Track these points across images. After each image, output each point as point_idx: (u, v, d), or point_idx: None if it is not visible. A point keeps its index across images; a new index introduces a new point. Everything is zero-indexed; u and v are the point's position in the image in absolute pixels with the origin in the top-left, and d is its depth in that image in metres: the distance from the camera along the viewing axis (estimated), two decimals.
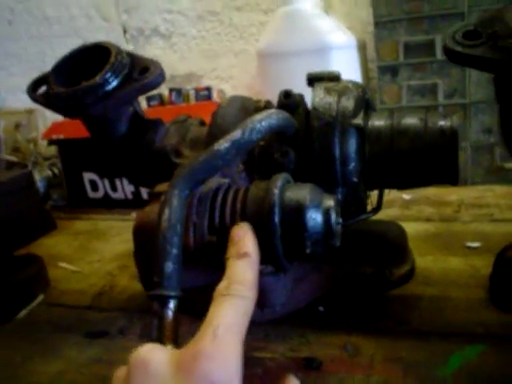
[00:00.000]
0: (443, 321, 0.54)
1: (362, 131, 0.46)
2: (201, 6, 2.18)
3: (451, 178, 0.50)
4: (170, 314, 0.35)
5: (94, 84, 0.52)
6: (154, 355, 0.31)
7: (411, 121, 0.49)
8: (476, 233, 0.73)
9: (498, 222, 0.76)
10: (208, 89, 1.83)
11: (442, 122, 0.48)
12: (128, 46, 2.34)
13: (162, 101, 1.81)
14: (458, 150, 0.47)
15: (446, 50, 0.41)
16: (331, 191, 0.43)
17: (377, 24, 1.56)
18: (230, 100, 0.53)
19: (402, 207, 0.89)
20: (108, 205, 1.12)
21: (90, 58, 0.56)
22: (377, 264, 0.60)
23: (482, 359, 0.47)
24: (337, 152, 0.45)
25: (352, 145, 0.46)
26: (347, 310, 0.57)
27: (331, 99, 0.47)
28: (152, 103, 1.77)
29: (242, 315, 0.33)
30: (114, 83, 0.53)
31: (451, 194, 0.89)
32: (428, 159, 0.48)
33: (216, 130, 0.52)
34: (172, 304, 0.35)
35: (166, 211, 0.38)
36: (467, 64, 0.41)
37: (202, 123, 0.63)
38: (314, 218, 0.35)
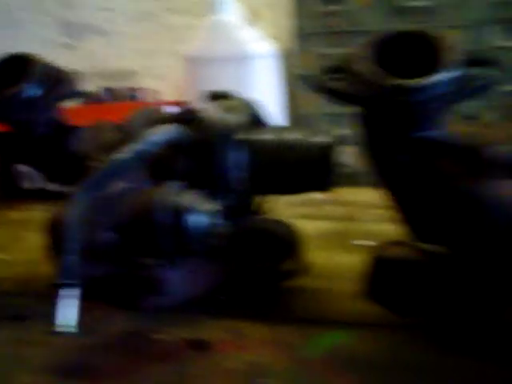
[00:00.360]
0: (323, 310, 0.62)
1: (247, 144, 0.53)
2: (138, 5, 2.22)
3: (323, 186, 0.60)
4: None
5: (17, 91, 0.58)
6: None
7: (294, 136, 0.58)
8: (373, 232, 0.80)
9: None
10: (138, 89, 1.88)
11: (318, 139, 0.57)
12: (65, 41, 2.33)
13: (93, 98, 1.84)
14: (329, 162, 0.56)
15: (306, 82, 0.49)
16: (219, 197, 0.51)
17: (299, 36, 1.66)
18: (140, 111, 0.60)
19: (314, 206, 0.98)
20: (44, 196, 1.14)
21: (15, 67, 0.61)
22: (267, 259, 0.69)
23: (353, 344, 0.55)
24: (224, 162, 0.52)
25: (237, 156, 0.53)
26: (242, 299, 0.64)
27: (223, 115, 0.54)
28: (83, 100, 1.79)
29: None
30: (36, 92, 0.59)
31: (363, 195, 0.98)
32: (305, 170, 0.57)
33: (126, 138, 0.58)
34: (72, 291, 0.41)
35: (71, 210, 0.44)
36: (329, 94, 0.49)
37: (118, 128, 0.69)
38: (195, 220, 0.43)
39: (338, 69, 0.48)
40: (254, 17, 1.62)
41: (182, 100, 1.39)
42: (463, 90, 0.45)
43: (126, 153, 0.47)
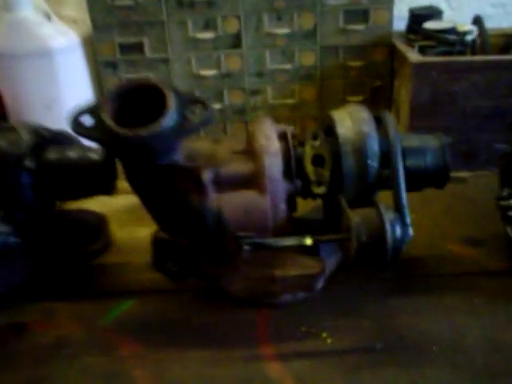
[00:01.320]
0: (119, 282, 0.78)
1: (30, 169, 0.67)
2: None
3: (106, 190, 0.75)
4: None
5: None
6: None
7: (72, 154, 0.72)
8: None
9: None
10: None
11: (92, 155, 0.72)
12: None
13: None
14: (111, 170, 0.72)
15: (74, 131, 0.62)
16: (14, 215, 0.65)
17: (95, 27, 1.81)
18: None
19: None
20: None
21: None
22: (75, 243, 0.83)
23: (130, 310, 0.72)
24: (11, 184, 0.66)
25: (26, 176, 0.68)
26: (54, 282, 0.79)
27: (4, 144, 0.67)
28: None
29: None
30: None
31: None
32: (86, 182, 0.72)
33: None
34: None
35: None
36: (87, 139, 0.63)
37: None
38: None
39: (90, 113, 0.62)
40: (54, 11, 1.63)
41: None
42: (185, 129, 0.62)
43: None
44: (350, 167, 0.64)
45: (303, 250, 0.67)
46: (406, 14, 1.47)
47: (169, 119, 0.60)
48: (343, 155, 0.64)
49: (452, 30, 1.26)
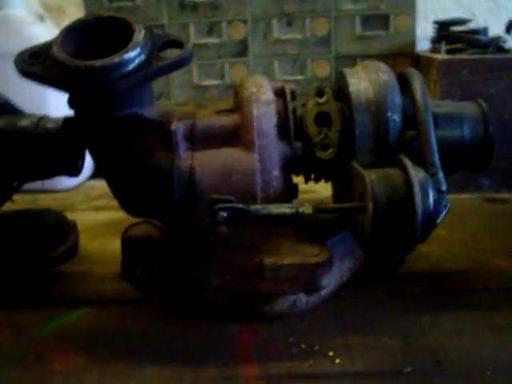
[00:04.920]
0: (73, 291, 0.64)
1: None
2: None
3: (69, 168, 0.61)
4: None
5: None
6: None
7: (25, 123, 0.58)
8: None
9: None
10: None
11: (49, 125, 0.58)
12: None
13: None
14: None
15: (15, 66, 0.50)
16: None
17: None
18: None
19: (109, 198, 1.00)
20: None
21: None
22: (35, 247, 0.69)
23: (80, 320, 0.57)
24: None
25: None
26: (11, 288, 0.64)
27: None
28: None
29: None
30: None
31: None
32: (42, 154, 0.58)
33: None
34: None
35: None
36: (33, 79, 0.50)
37: None
38: None
39: (37, 54, 0.49)
40: (46, 12, 1.59)
41: None
42: (154, 68, 0.48)
43: None
44: (365, 122, 0.49)
45: (303, 235, 0.51)
46: (430, 34, 1.37)
47: (132, 52, 0.47)
48: (355, 108, 0.49)
49: (484, 31, 1.14)
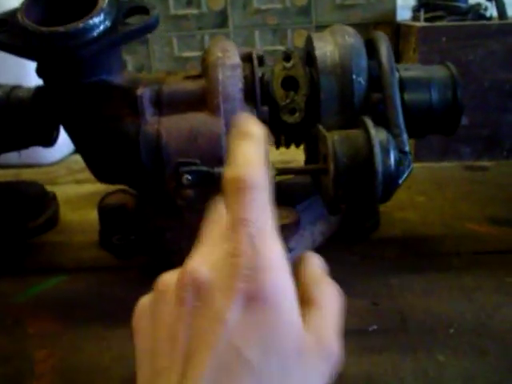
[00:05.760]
0: (51, 259, 0.64)
1: None
2: None
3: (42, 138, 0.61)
4: None
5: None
6: (204, 274, 0.27)
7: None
8: None
9: None
10: None
11: (22, 95, 0.58)
12: None
13: None
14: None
15: None
16: None
17: None
18: None
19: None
20: None
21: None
22: (16, 217, 0.69)
23: (57, 287, 0.58)
24: None
25: None
26: None
27: None
28: None
29: (266, 207, 0.28)
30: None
31: None
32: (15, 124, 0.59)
33: None
34: None
35: None
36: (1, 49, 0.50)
37: None
38: None
39: (2, 21, 0.49)
40: None
41: None
42: (119, 34, 0.48)
43: None
44: (330, 85, 0.49)
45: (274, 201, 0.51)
46: (411, 3, 1.36)
47: (96, 18, 0.47)
48: (321, 71, 0.50)
49: None
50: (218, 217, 0.30)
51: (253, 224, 0.27)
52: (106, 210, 0.63)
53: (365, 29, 1.25)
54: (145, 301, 0.31)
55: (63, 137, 0.61)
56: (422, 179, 0.86)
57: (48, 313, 0.53)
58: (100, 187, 0.65)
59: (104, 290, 0.57)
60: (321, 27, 1.36)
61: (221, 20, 1.37)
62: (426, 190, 0.81)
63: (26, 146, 0.64)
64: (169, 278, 0.30)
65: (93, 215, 0.74)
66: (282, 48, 1.31)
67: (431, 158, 0.93)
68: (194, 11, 1.32)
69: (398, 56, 1.21)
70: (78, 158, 0.59)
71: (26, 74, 1.19)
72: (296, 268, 0.31)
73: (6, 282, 0.60)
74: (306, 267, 0.32)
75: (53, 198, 0.75)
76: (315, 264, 0.33)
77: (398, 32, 1.24)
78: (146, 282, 0.57)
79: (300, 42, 1.36)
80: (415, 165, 0.51)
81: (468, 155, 0.96)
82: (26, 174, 1.00)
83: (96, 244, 0.66)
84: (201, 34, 1.36)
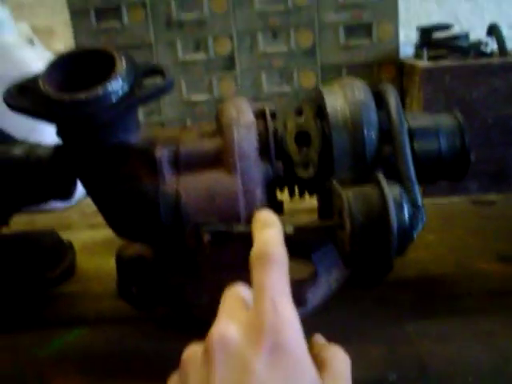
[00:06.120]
0: (70, 310, 0.65)
1: None
2: None
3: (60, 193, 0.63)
4: None
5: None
6: (230, 333, 0.32)
7: (17, 151, 0.60)
8: None
9: None
10: None
11: (40, 153, 0.60)
12: None
13: None
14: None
15: (4, 101, 0.52)
16: None
17: None
18: None
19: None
20: None
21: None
22: (33, 268, 0.71)
23: (78, 340, 0.59)
24: None
25: None
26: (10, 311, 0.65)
27: None
28: None
29: (284, 277, 0.35)
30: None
31: None
32: (34, 181, 0.60)
33: None
34: None
35: None
36: (21, 113, 0.52)
37: None
38: None
39: (25, 87, 0.51)
40: (36, 34, 1.61)
41: None
42: (136, 97, 0.50)
43: None
44: (342, 141, 0.51)
45: (288, 251, 0.52)
46: (414, 39, 1.39)
47: (115, 84, 0.49)
48: (333, 127, 0.51)
49: (465, 37, 1.16)
50: (234, 292, 0.37)
51: (274, 290, 0.33)
52: (124, 261, 0.64)
53: (369, 68, 1.28)
54: (173, 375, 0.34)
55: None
56: (431, 216, 0.86)
57: (71, 367, 0.55)
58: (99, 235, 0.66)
59: (125, 342, 0.58)
60: (326, 68, 1.39)
61: (228, 64, 1.40)
62: (435, 227, 0.82)
63: (45, 201, 0.65)
64: (192, 350, 0.34)
65: (109, 263, 0.75)
66: (288, 89, 1.34)
67: (439, 194, 0.95)
68: (202, 56, 1.36)
69: (403, 94, 1.25)
70: (90, 201, 0.61)
71: (38, 124, 1.23)
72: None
73: (25, 335, 0.61)
74: (312, 340, 0.38)
75: (69, 246, 0.77)
76: (319, 338, 0.39)
77: (401, 70, 1.27)
78: (167, 334, 0.59)
79: (306, 83, 1.39)
80: (424, 201, 0.52)
81: (475, 190, 0.97)
82: (40, 220, 1.02)
83: (114, 294, 0.67)
84: (209, 78, 1.39)
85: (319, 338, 0.39)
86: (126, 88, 0.50)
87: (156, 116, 1.38)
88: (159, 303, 0.61)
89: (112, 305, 0.66)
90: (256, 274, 0.34)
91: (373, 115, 0.52)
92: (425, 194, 0.96)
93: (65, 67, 0.52)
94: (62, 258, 0.74)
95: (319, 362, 0.34)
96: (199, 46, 1.41)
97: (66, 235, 0.79)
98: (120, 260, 0.64)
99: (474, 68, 0.99)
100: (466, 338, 0.54)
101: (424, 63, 1.06)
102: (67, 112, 0.49)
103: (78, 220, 1.02)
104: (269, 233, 0.38)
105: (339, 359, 0.35)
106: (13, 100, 0.51)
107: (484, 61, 1.04)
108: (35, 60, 1.61)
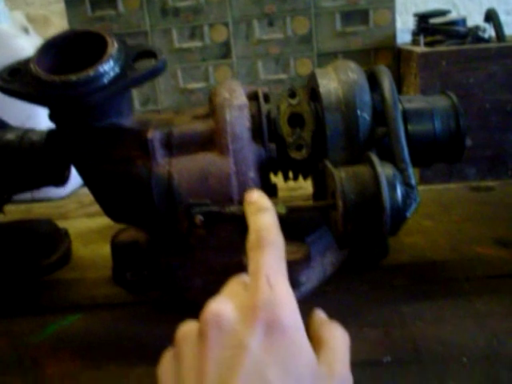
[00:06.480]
0: (66, 297, 0.65)
1: None
2: None
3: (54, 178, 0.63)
4: None
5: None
6: (225, 310, 0.32)
7: (10, 136, 0.60)
8: None
9: None
10: None
11: (34, 138, 0.60)
12: None
13: None
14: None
15: None
16: None
17: None
18: None
19: None
20: None
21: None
22: (28, 256, 0.70)
23: (73, 325, 0.59)
24: None
25: None
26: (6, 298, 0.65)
27: None
28: None
29: (281, 259, 0.35)
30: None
31: None
32: (27, 166, 0.60)
33: None
34: None
35: None
36: (13, 96, 0.52)
37: None
38: None
39: (16, 70, 0.51)
40: (31, 23, 1.60)
41: None
42: (128, 79, 0.50)
43: None
44: (336, 122, 0.51)
45: (284, 235, 0.52)
46: (411, 26, 1.38)
47: (106, 65, 0.49)
48: (326, 108, 0.51)
49: (462, 22, 1.15)
50: (238, 278, 0.36)
51: (269, 269, 0.33)
52: (118, 247, 0.64)
53: (366, 55, 1.28)
54: (167, 352, 0.34)
55: (72, 171, 0.62)
56: (428, 202, 0.86)
57: (65, 352, 0.54)
58: (111, 221, 0.66)
59: (119, 326, 0.58)
60: (322, 55, 1.39)
61: (224, 51, 1.39)
62: (432, 213, 0.82)
63: (39, 186, 0.65)
64: (187, 328, 0.33)
65: (104, 250, 0.75)
66: (284, 76, 1.33)
67: (436, 180, 0.95)
68: (198, 44, 1.35)
69: (400, 80, 1.24)
70: (87, 191, 0.61)
71: (36, 112, 1.23)
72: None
73: (21, 321, 0.61)
74: (312, 315, 0.37)
75: (65, 234, 0.76)
76: (319, 313, 0.38)
77: (398, 56, 1.26)
78: (161, 318, 0.59)
79: (302, 70, 1.39)
80: (421, 187, 0.52)
81: (473, 176, 0.97)
82: (37, 210, 1.02)
83: (109, 280, 0.67)
84: (205, 66, 1.39)
85: (319, 313, 0.38)
86: (117, 70, 0.50)
87: (152, 104, 1.37)
88: (153, 287, 0.61)
89: (107, 291, 0.66)
90: (253, 259, 0.34)
91: (366, 96, 0.51)
92: (422, 181, 0.97)
93: (56, 50, 0.52)
94: (57, 246, 0.74)
95: (317, 339, 0.34)
96: (195, 33, 1.40)
97: (62, 224, 0.79)
98: (115, 246, 0.64)
99: (471, 53, 0.98)
100: (461, 320, 0.54)
101: (420, 48, 1.06)
102: (58, 94, 0.48)
103: (75, 209, 1.02)
104: (263, 218, 0.38)
105: (337, 337, 0.35)
106: (4, 83, 0.51)
107: (481, 46, 1.04)
108: (30, 49, 1.61)
